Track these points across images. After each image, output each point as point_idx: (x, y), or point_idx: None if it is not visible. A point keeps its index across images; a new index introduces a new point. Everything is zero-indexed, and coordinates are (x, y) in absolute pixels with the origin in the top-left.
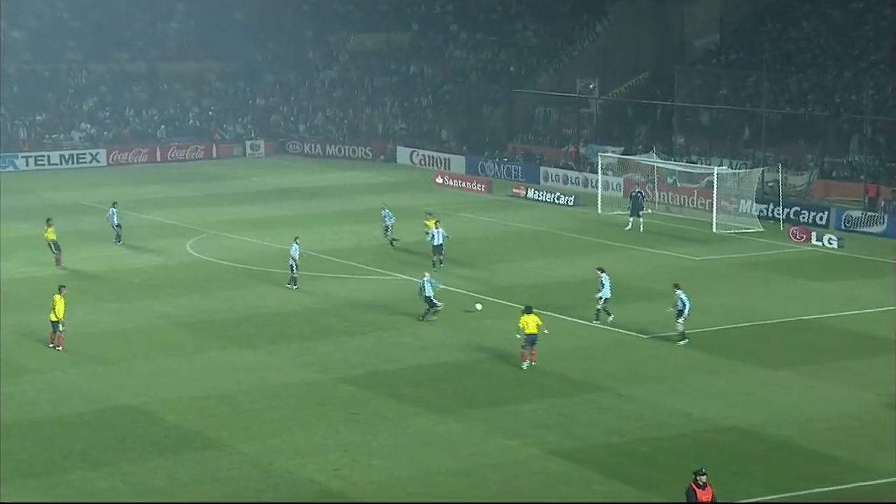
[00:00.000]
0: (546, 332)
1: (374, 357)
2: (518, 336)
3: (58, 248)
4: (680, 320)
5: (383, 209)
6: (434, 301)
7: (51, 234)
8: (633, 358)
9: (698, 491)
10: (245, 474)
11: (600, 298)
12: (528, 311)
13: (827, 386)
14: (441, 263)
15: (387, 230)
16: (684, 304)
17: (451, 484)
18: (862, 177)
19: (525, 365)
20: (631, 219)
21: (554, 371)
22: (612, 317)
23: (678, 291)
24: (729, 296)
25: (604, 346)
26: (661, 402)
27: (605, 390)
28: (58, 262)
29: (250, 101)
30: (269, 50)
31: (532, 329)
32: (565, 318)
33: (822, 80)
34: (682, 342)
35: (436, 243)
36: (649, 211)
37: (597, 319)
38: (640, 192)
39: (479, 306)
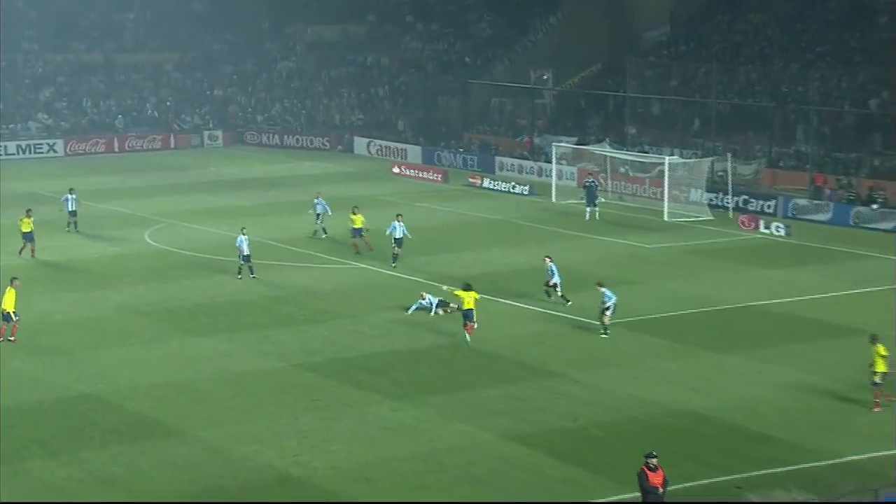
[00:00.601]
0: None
1: (331, 345)
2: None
3: (31, 238)
4: (607, 314)
5: (316, 198)
6: (443, 305)
7: (26, 226)
8: (586, 344)
9: (649, 473)
10: (205, 461)
11: (554, 286)
12: (468, 287)
13: (774, 370)
14: (395, 261)
15: (317, 218)
16: (609, 299)
17: (409, 468)
18: (808, 166)
19: (469, 338)
20: (588, 209)
21: (509, 357)
22: (569, 302)
23: (602, 289)
24: (680, 282)
25: (558, 333)
26: (614, 387)
27: (559, 376)
28: (32, 252)
29: (208, 92)
30: (226, 41)
31: (469, 304)
32: (520, 304)
33: (769, 71)
34: (604, 335)
35: (397, 236)
36: (602, 200)
37: (550, 298)
38: (594, 182)
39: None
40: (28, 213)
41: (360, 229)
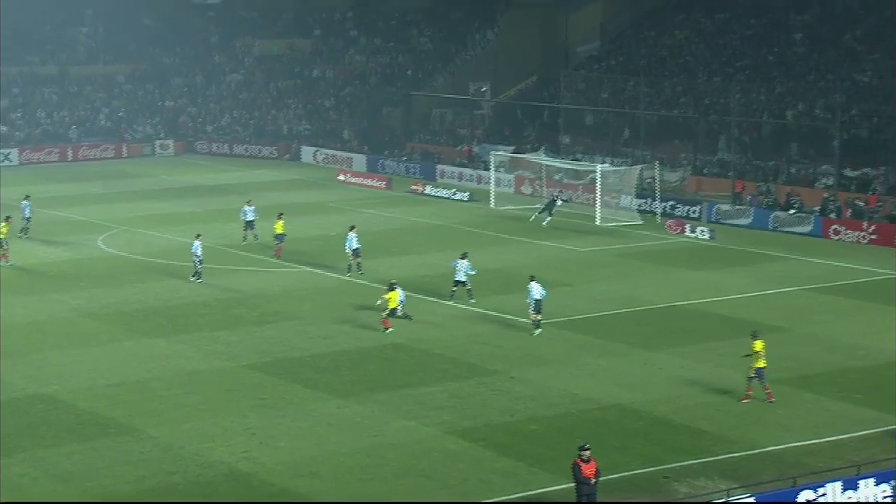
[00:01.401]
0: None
1: (280, 345)
2: (379, 303)
3: (4, 245)
4: (530, 311)
5: (248, 204)
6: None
7: (2, 231)
8: (523, 342)
9: (582, 465)
10: (157, 457)
11: (463, 283)
12: (392, 287)
13: (697, 366)
14: (350, 270)
15: (251, 225)
16: (531, 295)
17: (354, 463)
18: (730, 173)
19: (388, 331)
20: (542, 215)
21: (450, 356)
22: (452, 299)
23: (530, 283)
24: (611, 284)
25: (496, 332)
26: (549, 384)
27: (498, 373)
28: (4, 257)
29: (159, 103)
30: (176, 54)
31: (394, 304)
32: (460, 306)
33: (693, 84)
34: (537, 331)
35: (354, 246)
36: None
37: (472, 300)
38: (556, 199)
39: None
40: (7, 220)
41: (281, 234)
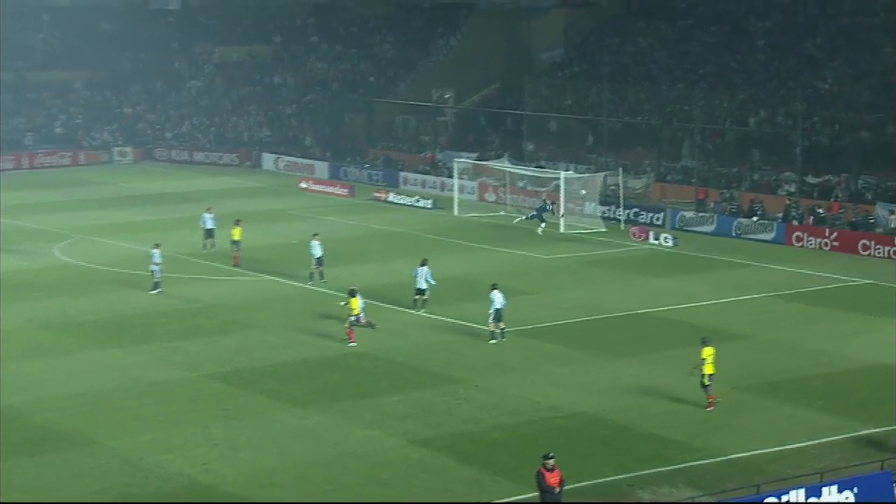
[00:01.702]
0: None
1: (241, 355)
2: (343, 304)
3: None
4: (489, 320)
5: (207, 211)
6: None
7: None
8: (487, 351)
9: (547, 474)
10: (115, 470)
11: (423, 290)
12: (353, 294)
13: (662, 373)
14: (313, 278)
15: (210, 233)
16: (492, 303)
17: (316, 473)
18: (693, 180)
19: (352, 345)
20: (532, 220)
21: (414, 364)
22: (415, 308)
23: (494, 292)
24: (575, 291)
25: (460, 341)
26: (514, 392)
27: (462, 381)
28: None
29: (117, 110)
30: (135, 60)
31: (357, 311)
32: (424, 314)
33: (656, 91)
34: (492, 341)
35: (317, 254)
36: (530, 215)
37: (423, 308)
38: (546, 205)
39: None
40: None
41: (238, 241)
